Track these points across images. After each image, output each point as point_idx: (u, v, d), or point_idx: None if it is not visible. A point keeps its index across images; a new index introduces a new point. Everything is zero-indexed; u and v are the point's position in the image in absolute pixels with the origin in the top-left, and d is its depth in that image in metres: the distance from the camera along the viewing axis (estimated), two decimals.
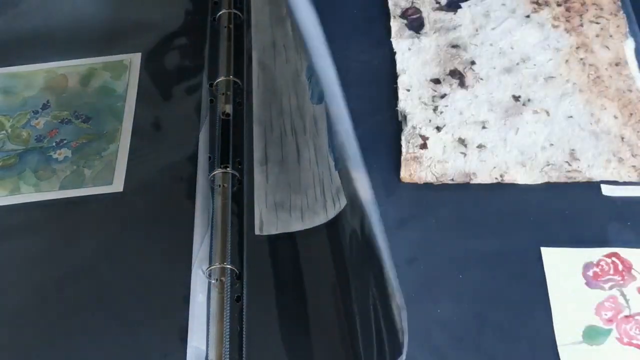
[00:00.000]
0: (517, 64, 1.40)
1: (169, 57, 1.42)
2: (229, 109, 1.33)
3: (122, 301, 1.16)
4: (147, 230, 1.23)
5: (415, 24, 1.46)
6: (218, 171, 1.26)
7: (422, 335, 1.12)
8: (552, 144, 1.30)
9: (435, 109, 1.34)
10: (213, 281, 1.17)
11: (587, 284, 1.16)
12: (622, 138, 1.30)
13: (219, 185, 1.25)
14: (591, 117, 1.33)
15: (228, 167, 1.27)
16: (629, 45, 1.42)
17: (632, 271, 1.17)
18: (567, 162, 1.28)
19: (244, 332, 1.13)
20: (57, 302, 1.17)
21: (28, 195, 1.29)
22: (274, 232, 1.22)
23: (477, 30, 1.45)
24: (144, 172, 1.27)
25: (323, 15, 1.43)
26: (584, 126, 1.32)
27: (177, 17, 1.48)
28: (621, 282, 1.16)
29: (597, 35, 1.43)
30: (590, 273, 1.17)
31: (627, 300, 1.14)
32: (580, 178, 1.26)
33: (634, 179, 1.26)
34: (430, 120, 1.33)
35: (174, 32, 1.45)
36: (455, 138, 1.31)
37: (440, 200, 1.26)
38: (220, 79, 1.37)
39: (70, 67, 1.46)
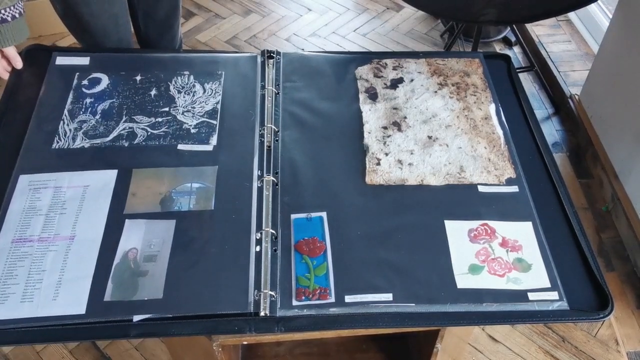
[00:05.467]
0: (430, 118, 1.40)
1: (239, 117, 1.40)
2: (270, 143, 1.33)
3: (224, 244, 1.15)
4: (228, 210, 1.21)
5: (373, 96, 1.45)
6: (264, 178, 1.26)
7: (378, 268, 1.13)
8: (450, 163, 1.30)
9: (384, 143, 1.34)
10: (263, 239, 1.16)
11: (470, 240, 1.17)
12: (489, 159, 1.31)
13: (266, 186, 1.25)
14: (472, 147, 1.33)
15: (270, 175, 1.27)
16: (492, 107, 1.43)
17: (496, 233, 1.18)
18: (458, 172, 1.28)
19: (277, 268, 1.13)
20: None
21: None
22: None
23: (407, 100, 1.44)
24: (227, 177, 1.27)
25: (330, 93, 1.45)
26: (468, 153, 1.32)
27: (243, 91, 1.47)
28: (489, 239, 1.17)
29: (475, 102, 1.44)
30: (472, 235, 1.18)
31: (493, 250, 1.16)
32: (466, 182, 1.27)
33: (496, 182, 1.27)
34: (381, 149, 1.33)
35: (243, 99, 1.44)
36: (396, 159, 1.31)
37: (388, 194, 1.25)
38: (266, 126, 1.36)
39: None
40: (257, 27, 3.15)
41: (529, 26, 3.04)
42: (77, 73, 1.47)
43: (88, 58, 1.50)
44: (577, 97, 2.61)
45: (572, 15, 3.09)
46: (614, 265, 2.11)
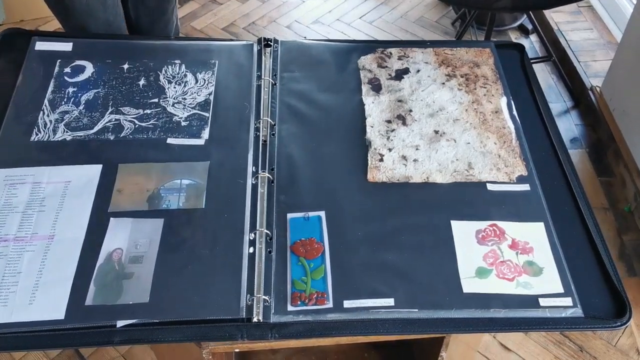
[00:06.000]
0: (437, 111, 1.40)
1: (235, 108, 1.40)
2: (266, 137, 1.33)
3: (215, 245, 1.15)
4: (220, 209, 1.21)
5: (376, 87, 1.45)
6: (259, 174, 1.26)
7: (379, 271, 1.13)
8: (457, 159, 1.31)
9: (388, 138, 1.34)
10: (257, 240, 1.16)
11: (478, 242, 1.17)
12: (499, 156, 1.31)
13: (261, 183, 1.25)
14: (481, 143, 1.34)
15: (265, 172, 1.26)
16: (503, 101, 1.43)
17: (505, 234, 1.18)
18: (466, 170, 1.29)
19: (272, 271, 1.13)
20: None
21: None
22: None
23: (413, 92, 1.44)
24: (219, 173, 1.26)
25: (330, 84, 1.45)
26: (477, 148, 1.33)
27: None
28: (498, 241, 1.17)
29: (485, 95, 1.44)
30: (480, 236, 1.18)
31: (502, 252, 1.16)
32: (474, 179, 1.27)
33: (506, 180, 1.27)
34: (385, 145, 1.33)
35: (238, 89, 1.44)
36: (400, 155, 1.31)
37: (391, 192, 1.25)
38: (262, 119, 1.36)
39: None
40: (257, 14, 3.15)
41: (547, 13, 3.03)
42: (59, 60, 1.46)
43: (71, 44, 1.50)
44: (598, 89, 2.60)
45: (593, 0, 3.09)
46: (636, 270, 2.10)
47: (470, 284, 1.11)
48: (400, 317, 1.08)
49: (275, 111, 1.39)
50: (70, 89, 1.40)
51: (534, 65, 1.59)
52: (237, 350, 1.28)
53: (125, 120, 1.35)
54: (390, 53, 1.54)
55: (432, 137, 1.35)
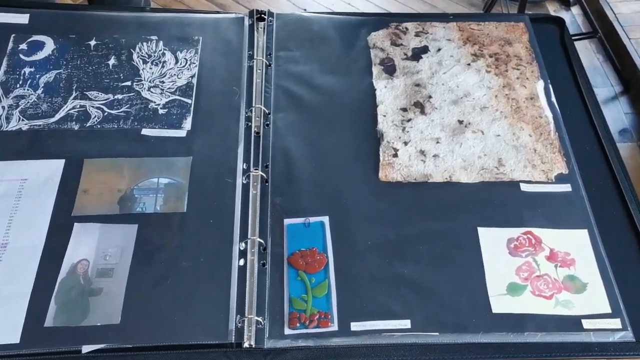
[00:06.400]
0: (461, 97, 1.40)
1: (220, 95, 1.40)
2: (259, 128, 1.33)
3: (198, 256, 1.14)
4: (205, 213, 1.20)
5: (390, 69, 1.45)
6: (251, 172, 1.25)
7: (392, 287, 1.13)
8: (485, 154, 1.30)
9: (403, 129, 1.34)
10: (249, 250, 1.16)
11: (510, 253, 1.17)
12: (535, 150, 1.31)
13: (253, 183, 1.24)
14: (513, 135, 1.33)
15: (258, 170, 1.26)
16: (540, 85, 1.42)
17: (542, 244, 1.18)
18: (496, 167, 1.28)
19: (266, 287, 1.12)
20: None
21: None
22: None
23: (433, 74, 1.44)
24: (204, 171, 1.25)
25: (335, 65, 1.44)
26: (508, 142, 1.32)
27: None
28: (534, 252, 1.17)
29: (518, 78, 1.43)
30: (512, 245, 1.18)
31: (538, 265, 1.15)
32: (505, 178, 1.27)
33: (543, 179, 1.27)
34: (399, 137, 1.32)
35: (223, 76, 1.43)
36: (417, 150, 1.30)
37: (406, 193, 1.25)
38: (254, 107, 1.35)
39: None
40: None
41: None
42: (13, 34, 1.46)
43: (27, 15, 1.49)
44: None
45: None
46: None
47: (500, 303, 1.11)
48: (418, 342, 1.08)
49: (269, 97, 1.39)
50: (27, 69, 1.40)
51: (576, 43, 1.58)
52: None
53: (92, 107, 1.35)
54: (406, 28, 1.54)
55: (456, 128, 1.34)
